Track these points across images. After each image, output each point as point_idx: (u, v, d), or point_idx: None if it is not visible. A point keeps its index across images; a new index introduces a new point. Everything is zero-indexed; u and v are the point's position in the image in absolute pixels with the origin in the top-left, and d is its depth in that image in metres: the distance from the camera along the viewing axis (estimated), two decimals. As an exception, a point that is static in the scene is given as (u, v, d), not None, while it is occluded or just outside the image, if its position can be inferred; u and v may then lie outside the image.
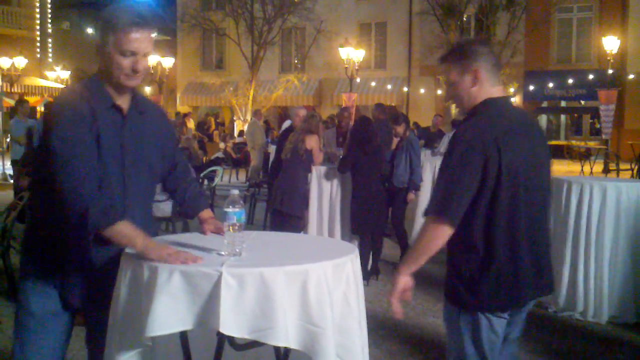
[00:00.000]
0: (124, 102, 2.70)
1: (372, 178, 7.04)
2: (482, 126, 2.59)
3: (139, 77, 2.62)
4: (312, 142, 7.40)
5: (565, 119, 32.73)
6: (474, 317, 2.66)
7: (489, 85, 2.67)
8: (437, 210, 2.57)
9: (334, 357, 2.38)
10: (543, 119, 30.90)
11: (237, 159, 19.22)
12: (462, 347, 2.71)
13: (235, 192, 2.62)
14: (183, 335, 2.56)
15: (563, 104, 30.73)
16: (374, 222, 7.08)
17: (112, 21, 2.54)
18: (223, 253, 2.56)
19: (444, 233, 2.57)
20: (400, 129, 7.78)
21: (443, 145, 12.10)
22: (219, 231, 2.88)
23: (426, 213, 2.62)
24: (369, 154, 6.98)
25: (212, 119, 30.38)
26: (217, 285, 2.27)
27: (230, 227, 2.55)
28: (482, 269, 2.60)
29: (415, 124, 13.98)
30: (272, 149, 13.67)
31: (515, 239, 2.60)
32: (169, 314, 2.31)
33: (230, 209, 2.56)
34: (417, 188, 7.81)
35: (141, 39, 2.55)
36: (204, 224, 3.02)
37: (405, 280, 2.72)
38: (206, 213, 3.05)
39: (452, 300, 2.73)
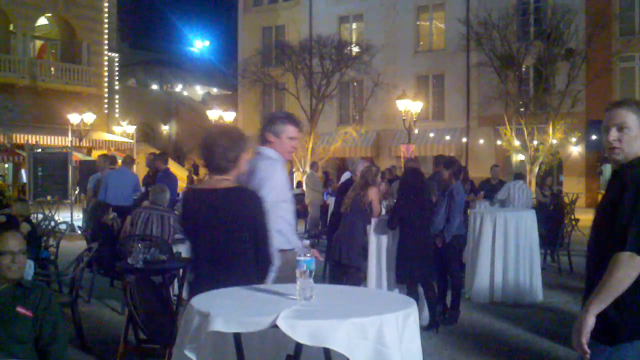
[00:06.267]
0: None
1: (420, 229, 6.92)
2: None
3: None
4: (372, 194, 7.47)
5: (630, 169, 31.88)
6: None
7: None
8: (638, 248, 2.65)
9: None
10: (607, 169, 30.21)
11: (296, 210, 19.38)
12: None
13: (307, 242, 2.98)
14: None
15: (628, 153, 30.01)
16: (420, 273, 6.89)
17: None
18: (295, 297, 2.80)
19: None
20: (446, 174, 7.46)
21: (501, 193, 11.93)
22: None
23: (620, 249, 2.66)
24: (419, 205, 6.91)
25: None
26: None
27: (302, 274, 2.79)
28: None
29: (471, 181, 13.70)
30: (330, 200, 13.78)
31: None
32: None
33: (301, 257, 2.81)
34: (443, 240, 7.26)
35: None
36: None
37: (593, 320, 2.71)
38: None
39: (604, 336, 2.75)
